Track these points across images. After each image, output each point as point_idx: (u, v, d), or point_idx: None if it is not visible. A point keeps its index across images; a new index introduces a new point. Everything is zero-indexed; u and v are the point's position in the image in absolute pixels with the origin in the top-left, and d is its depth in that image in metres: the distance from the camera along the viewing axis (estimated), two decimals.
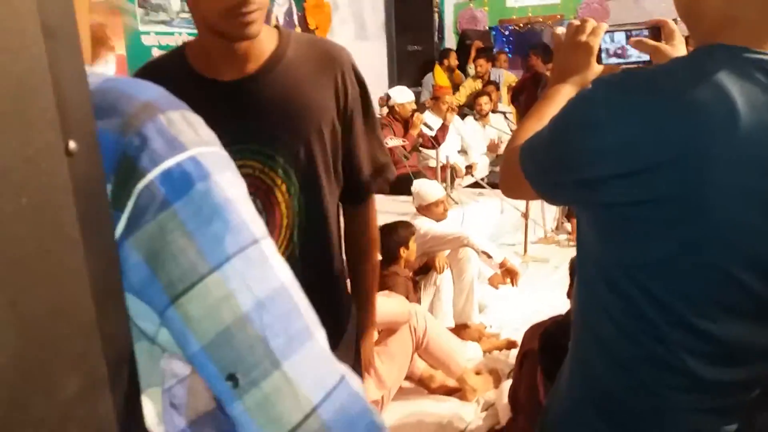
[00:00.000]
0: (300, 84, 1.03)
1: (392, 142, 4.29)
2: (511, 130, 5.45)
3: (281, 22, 5.81)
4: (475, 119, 5.53)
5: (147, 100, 0.44)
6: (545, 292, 3.40)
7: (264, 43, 1.02)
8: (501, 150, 5.25)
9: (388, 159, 1.20)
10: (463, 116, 5.47)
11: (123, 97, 0.44)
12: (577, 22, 0.92)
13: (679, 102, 0.64)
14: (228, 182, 0.45)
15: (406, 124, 4.61)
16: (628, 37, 0.91)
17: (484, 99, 5.56)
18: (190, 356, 0.42)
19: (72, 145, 0.35)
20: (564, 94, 0.88)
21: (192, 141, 0.45)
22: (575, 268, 0.86)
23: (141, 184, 0.42)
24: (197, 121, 0.48)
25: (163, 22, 4.85)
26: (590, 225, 0.77)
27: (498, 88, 5.88)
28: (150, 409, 0.46)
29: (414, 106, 4.70)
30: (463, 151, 5.25)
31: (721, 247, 0.66)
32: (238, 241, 0.43)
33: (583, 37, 0.91)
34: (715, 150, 0.63)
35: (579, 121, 0.72)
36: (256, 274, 0.42)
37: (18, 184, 0.32)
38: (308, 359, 0.42)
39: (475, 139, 5.39)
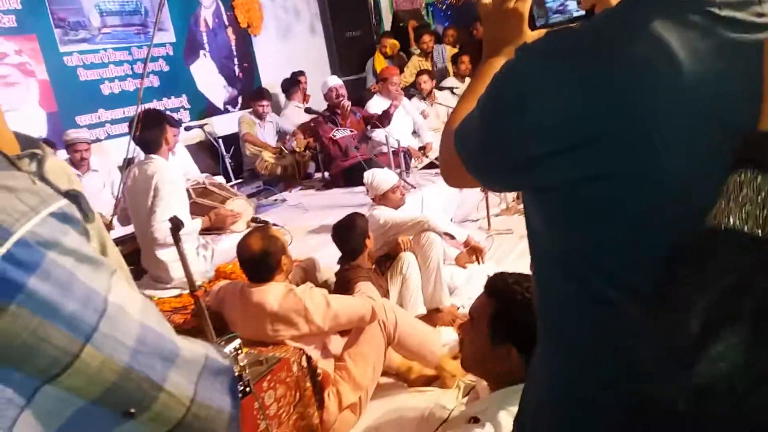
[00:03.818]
0: None
1: (339, 133, 4.18)
2: None
3: (210, 24, 5.59)
4: (420, 99, 5.44)
5: None
6: (513, 263, 3.37)
7: None
8: None
9: None
10: (409, 97, 5.38)
11: None
12: None
13: (614, 62, 0.56)
14: (69, 244, 0.41)
15: (335, 112, 4.45)
16: None
17: (423, 77, 5.46)
18: (75, 409, 0.42)
19: None
20: (497, 68, 0.80)
21: (16, 217, 0.39)
22: None
23: None
24: (12, 179, 0.41)
25: (85, 40, 4.59)
26: (537, 210, 0.69)
27: (432, 73, 5.77)
28: None
29: (343, 91, 4.55)
30: (415, 133, 5.17)
31: (680, 210, 0.57)
32: (96, 307, 0.42)
33: (511, 3, 0.82)
34: (662, 109, 0.55)
35: (506, 99, 0.64)
36: (121, 327, 0.43)
37: None
38: (181, 369, 0.46)
39: (425, 119, 5.31)
